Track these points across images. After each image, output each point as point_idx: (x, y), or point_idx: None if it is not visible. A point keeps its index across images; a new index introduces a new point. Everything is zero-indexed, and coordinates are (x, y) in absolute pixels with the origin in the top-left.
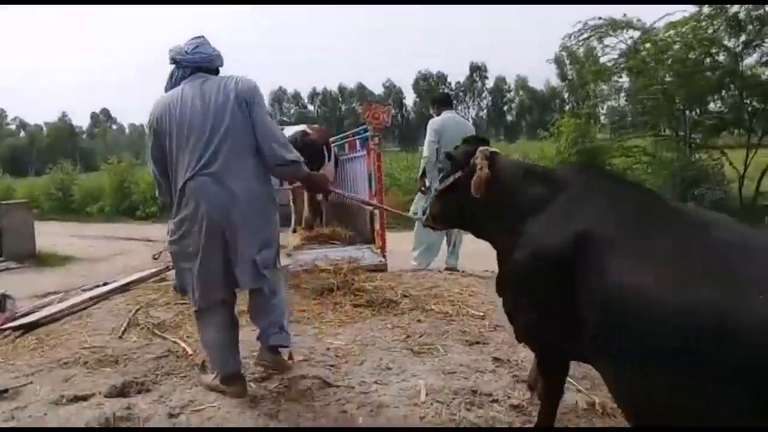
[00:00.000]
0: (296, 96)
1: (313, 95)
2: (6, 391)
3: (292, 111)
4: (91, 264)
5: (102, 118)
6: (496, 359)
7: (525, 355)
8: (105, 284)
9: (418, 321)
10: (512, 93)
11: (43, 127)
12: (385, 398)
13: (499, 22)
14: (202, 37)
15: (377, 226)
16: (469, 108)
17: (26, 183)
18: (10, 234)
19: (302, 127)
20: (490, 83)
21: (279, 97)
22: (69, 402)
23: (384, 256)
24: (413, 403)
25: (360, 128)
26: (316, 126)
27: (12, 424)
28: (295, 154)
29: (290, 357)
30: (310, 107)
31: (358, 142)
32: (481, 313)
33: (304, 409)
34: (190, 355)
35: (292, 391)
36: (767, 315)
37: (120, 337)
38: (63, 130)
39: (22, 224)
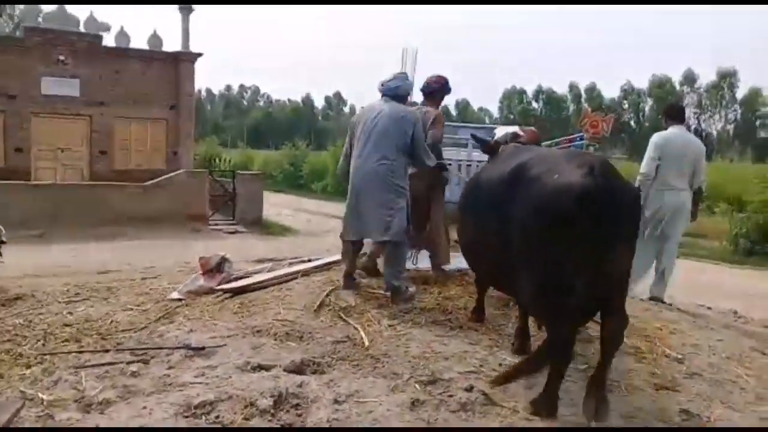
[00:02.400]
0: (521, 93)
1: (539, 93)
2: (203, 348)
3: (518, 108)
4: (305, 237)
5: (335, 101)
6: (684, 411)
7: (721, 413)
8: (309, 260)
9: None
10: None
11: (287, 104)
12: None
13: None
14: (403, 73)
15: None
16: (713, 120)
17: (263, 155)
18: (242, 201)
19: (514, 128)
20: (740, 93)
21: (508, 94)
22: (253, 369)
23: None
24: None
25: (576, 135)
26: (529, 128)
27: (201, 379)
28: (432, 161)
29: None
30: (535, 105)
31: (572, 149)
32: (680, 356)
33: (462, 423)
34: (366, 346)
35: (454, 402)
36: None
37: (315, 312)
38: (303, 109)
39: (254, 193)
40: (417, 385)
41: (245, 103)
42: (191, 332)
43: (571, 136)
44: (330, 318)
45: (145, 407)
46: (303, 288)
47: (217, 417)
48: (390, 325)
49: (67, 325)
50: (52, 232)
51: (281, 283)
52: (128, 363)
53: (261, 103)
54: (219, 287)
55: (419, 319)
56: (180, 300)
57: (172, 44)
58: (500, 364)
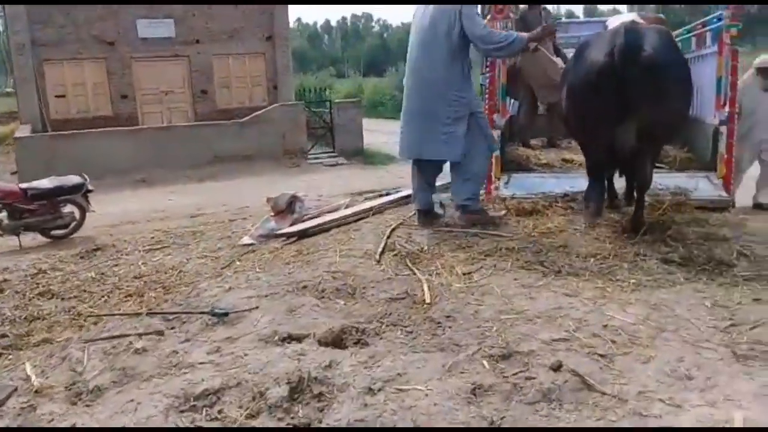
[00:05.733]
0: None
1: None
2: (227, 314)
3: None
4: (407, 166)
5: None
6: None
7: None
8: (387, 194)
9: (756, 301)
10: None
11: (400, 28)
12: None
13: None
14: None
15: (722, 148)
16: None
17: (373, 83)
18: (341, 131)
19: (632, 15)
20: None
21: None
22: (278, 342)
23: (728, 191)
24: None
25: (713, 16)
26: (651, 15)
27: (213, 357)
28: (493, 44)
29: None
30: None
31: (708, 35)
32: None
33: (540, 420)
34: (427, 303)
35: (533, 389)
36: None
37: (377, 259)
38: None
39: (353, 122)
40: (484, 362)
41: (359, 31)
42: (230, 290)
43: (707, 18)
44: (393, 266)
45: (132, 400)
46: (371, 228)
47: (220, 412)
48: (465, 274)
49: (136, 278)
50: (154, 175)
51: (348, 224)
52: (140, 335)
53: (376, 29)
54: (281, 232)
55: (504, 263)
56: (250, 245)
57: None
58: (605, 326)
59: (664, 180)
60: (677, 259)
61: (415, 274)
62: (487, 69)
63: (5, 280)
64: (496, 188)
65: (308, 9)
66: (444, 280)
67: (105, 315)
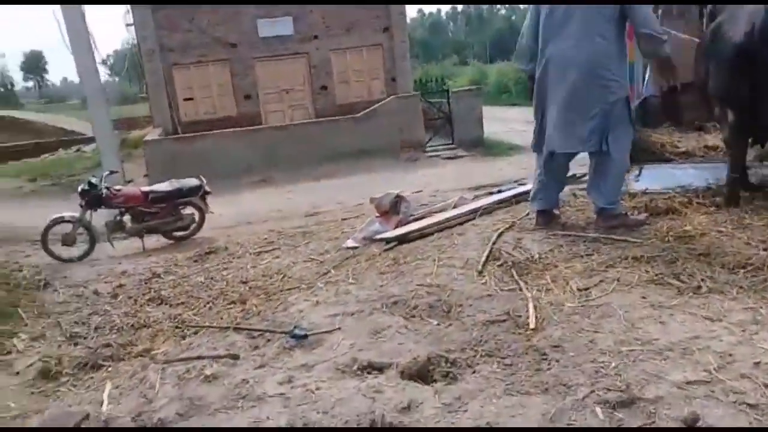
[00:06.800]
0: None
1: None
2: (306, 337)
3: None
4: (533, 155)
5: None
6: None
7: None
8: (499, 191)
9: None
10: None
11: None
12: None
13: None
14: None
15: None
16: None
17: (497, 69)
18: (460, 121)
19: None
20: None
21: None
22: (356, 373)
23: None
24: None
25: None
26: None
27: (284, 389)
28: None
29: None
30: None
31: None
32: None
33: None
34: (532, 329)
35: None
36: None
37: (479, 273)
38: None
39: (472, 111)
40: (597, 410)
41: (483, 17)
42: (317, 305)
43: None
44: (496, 279)
45: None
46: (477, 232)
47: None
48: (580, 289)
49: (243, 282)
50: (273, 174)
51: (451, 227)
52: (214, 359)
53: (503, 11)
54: (380, 237)
55: (630, 276)
56: (354, 248)
57: None
58: (757, 363)
59: None
60: None
61: (521, 289)
62: None
63: (120, 285)
64: (626, 182)
65: None
66: (555, 297)
67: (202, 327)
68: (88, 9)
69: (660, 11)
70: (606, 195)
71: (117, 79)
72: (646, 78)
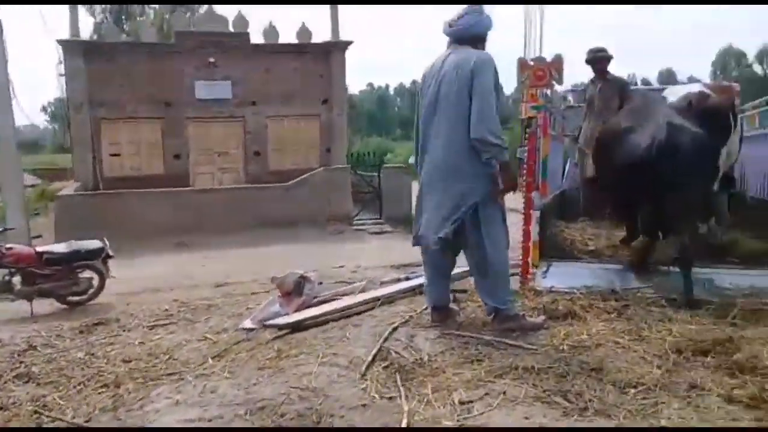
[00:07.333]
0: (739, 55)
1: (763, 54)
2: None
3: (733, 73)
4: None
5: None
6: None
7: None
8: (407, 278)
9: None
10: None
11: None
12: None
13: None
14: (476, 6)
15: None
16: None
17: None
18: (389, 197)
19: (697, 86)
20: None
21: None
22: None
23: None
24: None
25: None
26: (725, 84)
27: None
28: (494, 137)
29: None
30: (757, 68)
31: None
32: None
33: None
34: None
35: None
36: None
37: (361, 376)
38: None
39: (401, 188)
40: None
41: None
42: (177, 405)
43: None
44: (379, 383)
45: None
46: (372, 325)
47: None
48: (463, 402)
49: (125, 361)
50: (194, 239)
51: (349, 316)
52: None
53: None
54: (272, 323)
55: (517, 389)
56: (251, 330)
57: (319, 36)
58: None
59: (734, 278)
60: (745, 399)
61: (401, 397)
62: (526, 141)
63: None
64: (533, 278)
65: (378, 73)
66: (433, 412)
67: (56, 418)
68: (33, 48)
69: None
70: (493, 295)
71: (56, 126)
72: (565, 171)
